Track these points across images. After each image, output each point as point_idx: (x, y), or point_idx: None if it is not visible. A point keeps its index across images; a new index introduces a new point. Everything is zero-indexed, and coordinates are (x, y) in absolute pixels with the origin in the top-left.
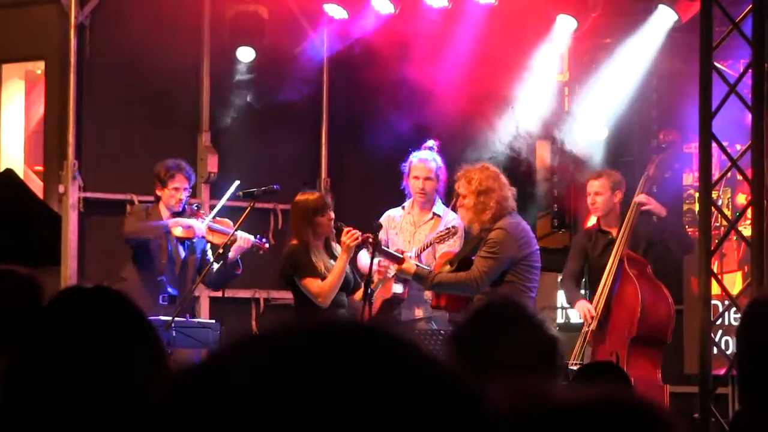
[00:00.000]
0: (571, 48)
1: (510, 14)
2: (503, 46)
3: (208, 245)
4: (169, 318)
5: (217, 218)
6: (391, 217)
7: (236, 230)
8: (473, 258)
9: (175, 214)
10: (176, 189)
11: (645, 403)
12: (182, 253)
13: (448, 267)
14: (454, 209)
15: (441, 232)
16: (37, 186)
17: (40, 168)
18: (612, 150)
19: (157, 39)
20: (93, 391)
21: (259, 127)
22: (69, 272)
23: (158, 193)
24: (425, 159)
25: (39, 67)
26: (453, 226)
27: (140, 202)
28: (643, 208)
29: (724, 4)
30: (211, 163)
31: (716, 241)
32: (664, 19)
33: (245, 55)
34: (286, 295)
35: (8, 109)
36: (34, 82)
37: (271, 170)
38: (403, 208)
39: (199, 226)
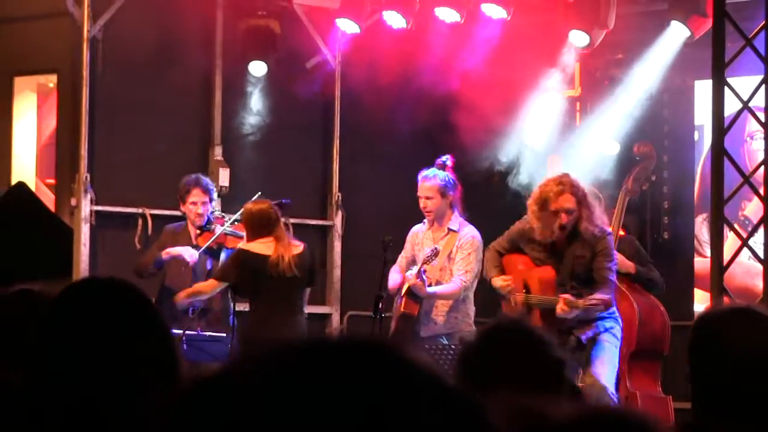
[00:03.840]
0: (583, 63)
1: (523, 29)
2: (516, 60)
3: None
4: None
5: (237, 224)
6: (415, 233)
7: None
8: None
9: (201, 228)
10: (194, 203)
11: (639, 417)
12: (209, 265)
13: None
14: (565, 229)
15: (426, 254)
16: (48, 199)
17: (51, 181)
18: (623, 165)
19: (169, 53)
20: (103, 384)
21: (271, 141)
22: None
23: (182, 209)
24: (426, 177)
25: (51, 80)
26: (435, 248)
27: (152, 216)
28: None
29: (736, 20)
30: (223, 177)
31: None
32: (676, 34)
33: (257, 69)
34: None
35: (20, 122)
36: (46, 95)
37: (283, 184)
38: (424, 223)
39: (191, 252)
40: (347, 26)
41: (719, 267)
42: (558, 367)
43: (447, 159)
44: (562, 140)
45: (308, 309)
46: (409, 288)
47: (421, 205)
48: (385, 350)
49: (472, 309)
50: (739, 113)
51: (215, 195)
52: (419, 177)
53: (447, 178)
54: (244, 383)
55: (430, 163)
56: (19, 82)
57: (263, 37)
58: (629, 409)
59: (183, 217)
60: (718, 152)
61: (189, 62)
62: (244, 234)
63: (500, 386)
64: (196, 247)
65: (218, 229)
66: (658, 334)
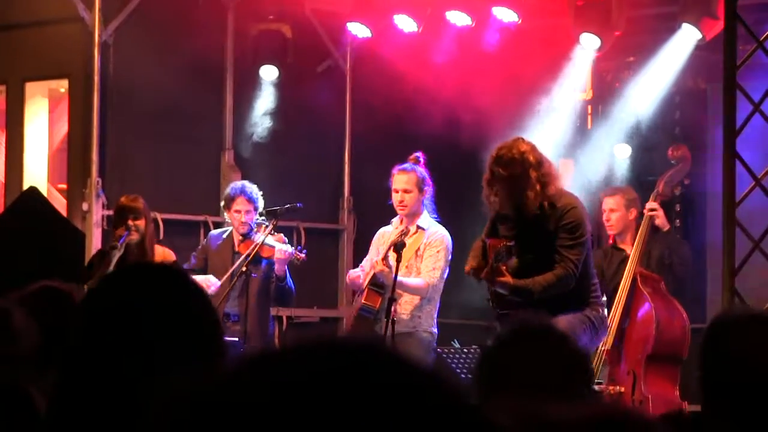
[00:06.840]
0: (595, 66)
1: (534, 33)
2: (527, 64)
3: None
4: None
5: (276, 234)
6: (382, 233)
7: (261, 242)
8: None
9: (244, 236)
10: (237, 211)
11: (642, 418)
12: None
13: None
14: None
15: (397, 232)
16: (60, 204)
17: (63, 186)
18: (635, 168)
19: (180, 57)
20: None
21: (282, 145)
22: None
23: (227, 215)
24: (403, 169)
25: (62, 85)
26: (405, 227)
27: (164, 220)
28: (652, 213)
29: (748, 23)
30: (235, 182)
31: None
32: (687, 37)
33: (268, 73)
34: (309, 313)
35: (32, 127)
36: (57, 100)
37: (294, 188)
38: (391, 223)
39: (213, 281)
40: (358, 30)
41: (731, 269)
42: (579, 361)
43: (419, 155)
44: (574, 144)
45: (320, 313)
46: (372, 278)
47: (398, 199)
48: (383, 351)
49: (435, 311)
50: (750, 115)
51: (260, 204)
52: (394, 170)
53: (423, 173)
54: (245, 385)
55: (441, 167)
56: (30, 87)
57: (274, 41)
58: (636, 411)
59: (193, 223)
60: (730, 155)
61: (200, 66)
62: (279, 243)
63: (522, 385)
64: (238, 254)
65: (258, 238)
66: (678, 339)
